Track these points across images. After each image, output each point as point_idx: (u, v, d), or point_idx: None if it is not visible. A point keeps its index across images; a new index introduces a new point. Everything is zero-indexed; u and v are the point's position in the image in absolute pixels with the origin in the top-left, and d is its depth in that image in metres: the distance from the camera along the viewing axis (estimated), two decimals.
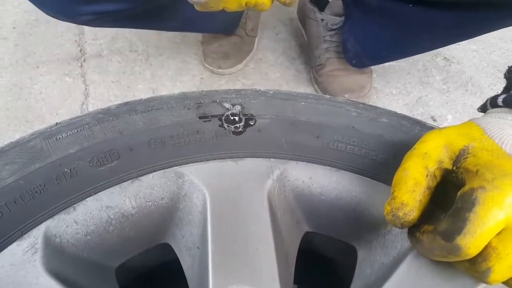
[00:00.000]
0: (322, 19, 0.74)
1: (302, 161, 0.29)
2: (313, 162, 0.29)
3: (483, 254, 0.19)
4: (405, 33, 0.59)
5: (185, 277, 0.28)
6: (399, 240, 0.26)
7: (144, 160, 0.27)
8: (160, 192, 0.28)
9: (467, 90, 0.80)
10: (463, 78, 0.82)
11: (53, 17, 0.50)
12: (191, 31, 0.75)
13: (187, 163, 0.28)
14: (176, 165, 0.28)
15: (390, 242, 0.27)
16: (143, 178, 0.27)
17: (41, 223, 0.25)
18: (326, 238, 0.31)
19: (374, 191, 0.28)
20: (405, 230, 0.24)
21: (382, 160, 0.28)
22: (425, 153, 0.23)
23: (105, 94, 0.76)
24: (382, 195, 0.27)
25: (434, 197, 0.23)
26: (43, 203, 0.25)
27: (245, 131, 0.29)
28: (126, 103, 0.28)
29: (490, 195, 0.19)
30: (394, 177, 0.23)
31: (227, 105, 0.29)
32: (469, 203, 0.19)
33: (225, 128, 0.29)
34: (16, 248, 0.24)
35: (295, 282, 0.28)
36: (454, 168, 0.22)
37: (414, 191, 0.22)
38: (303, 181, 0.29)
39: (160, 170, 0.28)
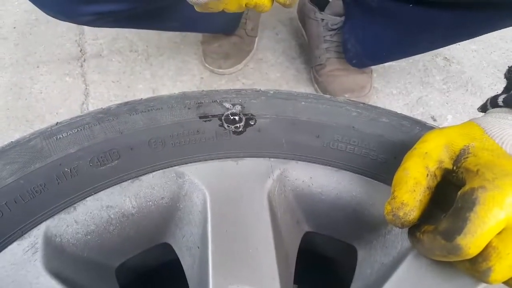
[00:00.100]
0: (322, 19, 0.74)
1: (303, 161, 0.29)
2: (313, 162, 0.29)
3: (484, 254, 0.19)
4: (406, 33, 0.59)
5: (185, 276, 0.28)
6: (399, 240, 0.26)
7: (145, 160, 0.27)
8: (160, 191, 0.28)
9: (467, 90, 0.80)
10: (463, 78, 0.82)
11: (53, 17, 0.50)
12: (191, 31, 0.75)
13: (188, 163, 0.28)
14: (177, 165, 0.28)
15: (390, 242, 0.27)
16: (143, 177, 0.27)
17: (41, 222, 0.25)
18: (326, 238, 0.31)
19: (374, 191, 0.28)
20: (405, 230, 0.24)
21: (382, 160, 0.28)
22: (426, 153, 0.23)
23: (105, 94, 0.76)
24: (382, 195, 0.27)
25: (434, 197, 0.23)
26: (43, 203, 0.25)
27: (245, 131, 0.29)
28: (127, 103, 0.28)
29: (490, 194, 0.19)
30: (395, 177, 0.23)
31: (227, 105, 0.29)
32: (469, 203, 0.19)
33: (225, 128, 0.29)
34: (16, 248, 0.24)
35: (295, 282, 0.28)
36: (455, 168, 0.22)
37: (414, 191, 0.22)
38: (303, 181, 0.29)
39: (160, 169, 0.28)
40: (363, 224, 0.28)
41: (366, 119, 0.29)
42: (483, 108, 0.29)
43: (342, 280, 0.35)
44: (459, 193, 0.21)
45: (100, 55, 0.82)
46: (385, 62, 0.76)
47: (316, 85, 0.77)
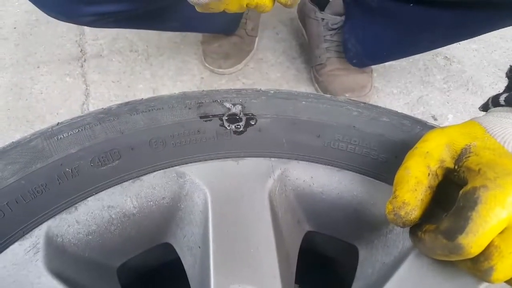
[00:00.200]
0: (323, 19, 0.73)
1: (303, 160, 0.29)
2: (314, 162, 0.29)
3: (486, 253, 0.19)
4: (406, 33, 0.59)
5: (186, 276, 0.28)
6: (401, 239, 0.26)
7: (145, 160, 0.27)
8: (161, 191, 0.28)
9: (468, 89, 0.80)
10: (463, 77, 0.82)
11: (54, 17, 0.50)
12: (192, 31, 0.75)
13: (188, 163, 0.28)
14: (177, 165, 0.28)
15: (391, 242, 0.27)
16: (144, 177, 0.27)
17: (42, 222, 0.25)
18: (327, 237, 0.31)
19: (375, 190, 0.28)
20: (407, 229, 0.24)
21: (383, 159, 0.28)
22: (427, 152, 0.23)
23: (105, 94, 0.76)
24: (383, 195, 0.27)
25: (436, 196, 0.23)
26: (44, 203, 0.25)
27: (246, 130, 0.29)
28: (127, 103, 0.28)
29: (492, 193, 0.19)
30: (396, 176, 0.23)
31: (228, 105, 0.29)
32: (471, 202, 0.19)
33: (226, 127, 0.29)
34: (18, 248, 0.24)
35: (297, 281, 0.28)
36: (456, 167, 0.22)
37: (415, 190, 0.22)
38: (304, 181, 0.29)
39: (161, 169, 0.28)
40: (364, 224, 0.28)
41: (366, 119, 0.29)
42: (485, 107, 0.29)
43: (343, 279, 0.35)
44: (460, 192, 0.21)
45: (101, 55, 0.82)
46: (386, 62, 0.76)
47: (316, 85, 0.77)
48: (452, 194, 0.22)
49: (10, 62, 0.80)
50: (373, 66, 0.78)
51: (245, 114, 0.29)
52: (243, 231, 0.25)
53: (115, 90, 0.76)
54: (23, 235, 0.24)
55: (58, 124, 0.26)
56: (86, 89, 0.76)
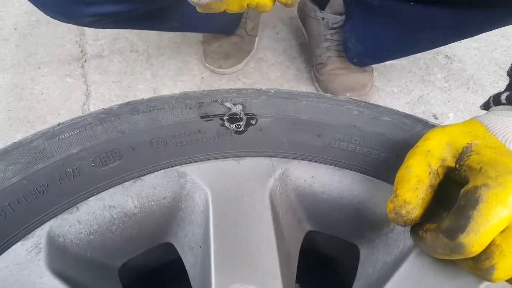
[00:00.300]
0: (323, 18, 0.73)
1: (304, 160, 0.29)
2: (315, 161, 0.29)
3: (487, 252, 0.19)
4: (406, 32, 0.59)
5: (187, 276, 0.28)
6: (402, 238, 0.26)
7: (146, 160, 0.27)
8: (162, 191, 0.28)
9: (468, 88, 0.80)
10: (464, 76, 0.82)
11: (54, 18, 0.50)
12: (192, 31, 0.75)
13: (189, 163, 0.28)
14: (178, 165, 0.28)
15: (392, 241, 0.27)
16: (145, 177, 0.28)
17: (44, 223, 0.25)
18: (328, 237, 0.31)
19: (376, 189, 0.28)
20: (408, 228, 0.24)
21: (384, 158, 0.28)
22: (428, 151, 0.23)
23: (106, 94, 0.76)
24: (384, 194, 0.27)
25: (437, 195, 0.23)
26: (46, 203, 0.25)
27: (246, 130, 0.29)
28: (128, 103, 0.28)
29: (493, 192, 0.19)
30: (397, 175, 0.23)
31: (228, 105, 0.29)
32: (472, 201, 0.19)
33: (226, 127, 0.29)
34: (20, 248, 0.24)
35: (297, 281, 0.28)
36: (457, 166, 0.22)
37: (416, 189, 0.22)
38: (305, 180, 0.29)
39: (162, 169, 0.28)
40: (365, 223, 0.28)
41: (367, 118, 0.29)
42: (486, 106, 0.29)
43: (344, 279, 0.35)
44: (462, 191, 0.21)
45: (101, 55, 0.82)
46: (386, 61, 0.76)
47: (317, 84, 0.77)
48: (453, 193, 0.22)
49: (11, 63, 0.81)
50: (373, 65, 0.77)
51: (245, 114, 0.29)
52: (244, 230, 0.25)
53: (115, 90, 0.76)
54: (25, 235, 0.24)
55: (59, 124, 0.26)
56: (87, 89, 0.77)
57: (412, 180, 0.22)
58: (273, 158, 0.29)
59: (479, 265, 0.19)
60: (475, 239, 0.18)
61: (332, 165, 0.29)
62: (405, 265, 0.24)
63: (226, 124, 0.29)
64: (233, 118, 0.29)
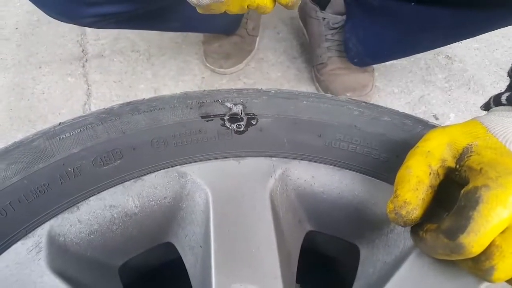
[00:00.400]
0: (324, 18, 0.73)
1: (304, 160, 0.29)
2: (315, 161, 0.29)
3: (487, 253, 0.19)
4: (407, 32, 0.59)
5: (188, 275, 0.28)
6: (402, 239, 0.26)
7: (147, 160, 0.28)
8: (163, 191, 0.28)
9: (469, 88, 0.80)
10: (465, 76, 0.82)
11: (55, 18, 0.50)
12: (193, 31, 0.75)
13: (190, 163, 0.28)
14: (179, 165, 0.28)
15: (392, 241, 0.27)
16: (146, 177, 0.28)
17: (45, 222, 0.25)
18: (328, 237, 0.31)
19: (376, 190, 0.28)
20: (408, 228, 0.24)
21: (385, 158, 0.28)
22: (428, 151, 0.23)
23: (107, 94, 0.76)
24: (384, 194, 0.27)
25: (437, 196, 0.23)
26: (47, 203, 0.25)
27: (247, 130, 0.29)
28: (129, 103, 0.28)
29: (494, 193, 0.19)
30: (397, 175, 0.23)
31: (229, 105, 0.29)
32: (472, 202, 0.19)
33: (227, 127, 0.29)
34: (20, 247, 0.24)
35: (298, 281, 0.28)
36: (458, 166, 0.22)
37: (417, 189, 0.22)
38: (305, 180, 0.29)
39: (162, 169, 0.28)
40: (365, 223, 0.28)
41: (368, 118, 0.29)
42: (486, 107, 0.29)
43: (344, 279, 0.35)
44: (462, 191, 0.21)
45: (102, 55, 0.83)
46: (387, 61, 0.76)
47: (317, 84, 0.77)
48: (454, 193, 0.22)
49: (12, 63, 0.81)
50: (374, 65, 0.77)
51: (246, 114, 0.29)
52: (244, 230, 0.25)
53: (116, 90, 0.76)
54: (26, 235, 0.24)
55: (60, 124, 0.26)
56: (88, 89, 0.77)
57: (412, 180, 0.22)
58: (274, 158, 0.29)
59: (479, 265, 0.19)
60: (475, 240, 0.19)
61: (332, 165, 0.29)
62: (405, 265, 0.24)
63: (227, 124, 0.29)
64: (234, 118, 0.29)
